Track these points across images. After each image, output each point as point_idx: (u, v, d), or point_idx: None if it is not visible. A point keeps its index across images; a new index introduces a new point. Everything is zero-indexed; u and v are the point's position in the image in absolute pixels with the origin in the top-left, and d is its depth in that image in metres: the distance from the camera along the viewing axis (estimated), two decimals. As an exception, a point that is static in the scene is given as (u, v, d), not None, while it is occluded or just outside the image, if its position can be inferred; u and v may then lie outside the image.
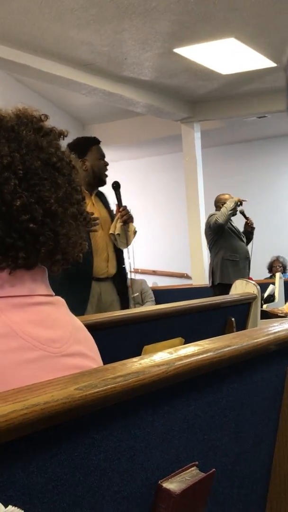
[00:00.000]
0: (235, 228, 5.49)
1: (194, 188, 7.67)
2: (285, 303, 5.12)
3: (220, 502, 1.09)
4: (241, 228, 5.65)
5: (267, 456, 1.22)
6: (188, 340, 2.17)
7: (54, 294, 1.01)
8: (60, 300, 1.02)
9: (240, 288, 2.85)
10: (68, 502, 0.77)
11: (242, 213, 5.45)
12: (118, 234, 3.27)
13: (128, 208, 3.33)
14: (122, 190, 3.44)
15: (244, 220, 5.61)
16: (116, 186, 3.42)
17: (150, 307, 2.29)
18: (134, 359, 0.90)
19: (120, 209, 3.32)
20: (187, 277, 9.13)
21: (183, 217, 8.12)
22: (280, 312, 4.65)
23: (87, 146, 3.33)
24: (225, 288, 5.37)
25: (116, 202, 3.41)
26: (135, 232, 3.35)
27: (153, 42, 5.44)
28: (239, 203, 5.26)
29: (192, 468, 0.98)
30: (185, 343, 2.21)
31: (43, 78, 6.03)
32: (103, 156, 3.37)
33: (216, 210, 5.60)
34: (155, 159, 9.83)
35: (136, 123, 8.32)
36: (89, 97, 6.83)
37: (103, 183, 3.37)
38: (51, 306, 0.99)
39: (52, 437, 0.75)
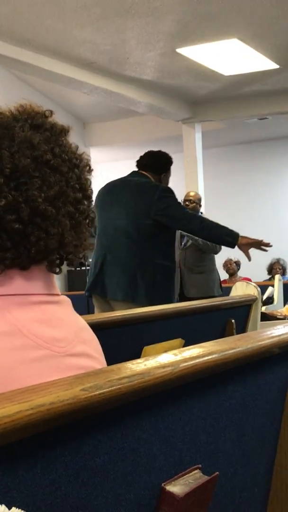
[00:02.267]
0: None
1: (194, 189, 7.65)
2: (284, 305, 5.11)
3: (222, 505, 1.09)
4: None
5: (269, 459, 1.21)
6: (187, 341, 2.16)
7: (60, 293, 1.00)
8: (65, 299, 1.01)
9: (240, 290, 2.84)
10: (71, 504, 0.76)
11: None
12: None
13: None
14: None
15: None
16: None
17: (149, 308, 2.28)
18: (139, 360, 0.89)
19: None
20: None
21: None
22: (279, 314, 4.63)
23: (168, 165, 3.48)
24: None
25: None
26: None
27: (155, 42, 5.43)
28: None
29: (195, 471, 0.97)
30: (184, 345, 2.20)
31: (45, 76, 6.02)
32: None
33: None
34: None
35: (137, 123, 8.31)
36: (90, 96, 6.82)
37: None
38: (56, 305, 0.97)
39: (56, 438, 0.74)
